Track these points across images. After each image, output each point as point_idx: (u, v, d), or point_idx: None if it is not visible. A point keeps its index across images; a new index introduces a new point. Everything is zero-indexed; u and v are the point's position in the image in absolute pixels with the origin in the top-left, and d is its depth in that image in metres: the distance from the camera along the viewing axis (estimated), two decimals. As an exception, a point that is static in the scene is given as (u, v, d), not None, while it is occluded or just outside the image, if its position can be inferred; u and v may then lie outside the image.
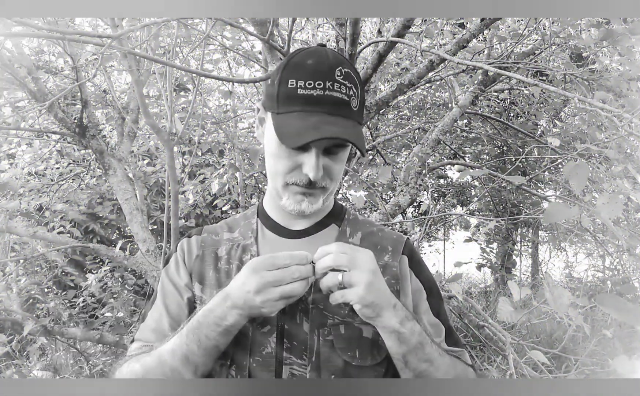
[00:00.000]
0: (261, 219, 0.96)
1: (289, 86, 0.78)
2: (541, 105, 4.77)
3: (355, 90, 0.81)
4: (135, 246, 2.57)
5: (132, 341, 0.94)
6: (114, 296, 3.90)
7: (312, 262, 0.77)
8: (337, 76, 0.78)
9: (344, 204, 1.02)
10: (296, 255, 0.75)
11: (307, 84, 0.77)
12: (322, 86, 0.77)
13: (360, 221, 0.97)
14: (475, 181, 6.39)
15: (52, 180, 3.85)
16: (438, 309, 0.94)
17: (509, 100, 5.15)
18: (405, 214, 5.94)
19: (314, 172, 0.80)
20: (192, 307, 0.91)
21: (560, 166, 3.73)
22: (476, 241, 7.13)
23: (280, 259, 0.75)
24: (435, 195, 7.12)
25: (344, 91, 0.79)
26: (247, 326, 0.82)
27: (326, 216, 0.95)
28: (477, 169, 2.81)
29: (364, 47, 2.05)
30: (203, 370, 0.82)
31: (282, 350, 0.83)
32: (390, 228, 2.74)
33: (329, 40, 3.42)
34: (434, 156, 4.55)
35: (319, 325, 0.84)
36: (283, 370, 0.82)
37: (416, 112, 5.32)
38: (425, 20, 3.23)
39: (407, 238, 0.97)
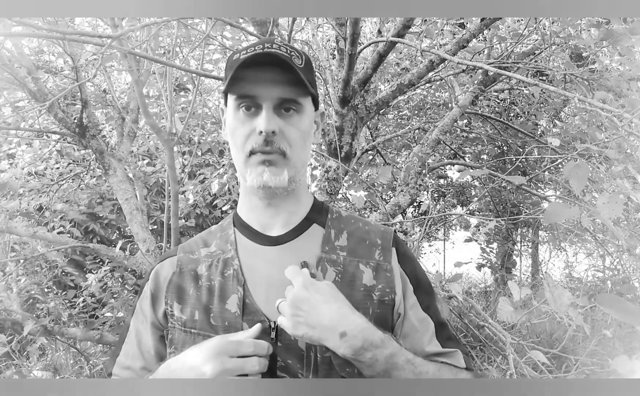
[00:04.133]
0: (238, 228, 0.92)
1: (233, 59, 0.85)
2: (541, 105, 4.77)
3: (298, 54, 0.84)
4: (135, 246, 2.57)
5: (110, 374, 0.93)
6: (114, 296, 3.89)
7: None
8: (276, 42, 0.84)
9: (323, 201, 1.00)
10: (259, 344, 0.77)
11: (247, 50, 0.83)
12: (262, 47, 0.82)
13: (345, 218, 0.93)
14: (475, 181, 6.39)
15: (52, 180, 3.84)
16: (428, 304, 0.90)
17: (509, 100, 5.14)
18: (405, 214, 5.94)
19: (265, 123, 0.80)
20: (164, 343, 0.90)
21: (560, 166, 3.72)
22: (476, 241, 7.12)
23: (245, 347, 0.76)
24: (435, 195, 7.11)
25: (284, 51, 0.82)
26: None
27: (305, 217, 0.91)
28: (477, 169, 2.82)
29: (364, 47, 2.06)
30: None
31: (276, 370, 0.81)
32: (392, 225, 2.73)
33: (329, 40, 3.41)
34: (434, 156, 4.55)
35: None
36: None
37: (416, 112, 5.32)
38: (425, 20, 3.23)
39: (394, 229, 0.95)
